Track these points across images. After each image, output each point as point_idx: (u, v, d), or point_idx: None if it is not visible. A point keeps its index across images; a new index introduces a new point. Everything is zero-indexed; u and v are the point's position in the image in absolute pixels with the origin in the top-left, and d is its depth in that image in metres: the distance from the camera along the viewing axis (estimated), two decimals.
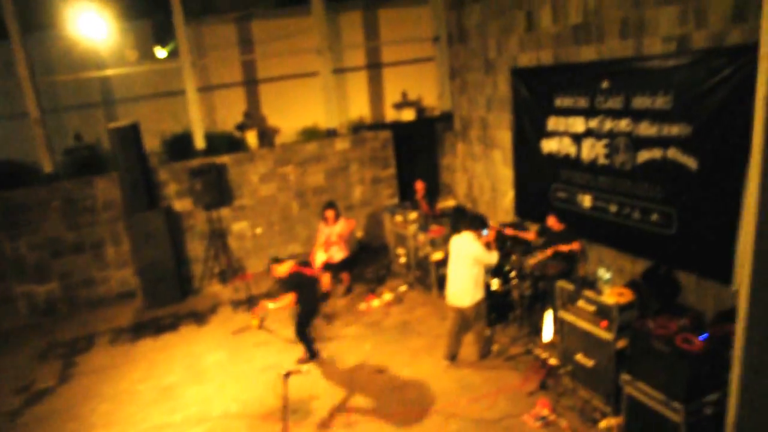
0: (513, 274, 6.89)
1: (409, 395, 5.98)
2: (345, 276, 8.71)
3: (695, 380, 4.26)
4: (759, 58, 2.99)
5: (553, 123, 7.74)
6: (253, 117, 10.50)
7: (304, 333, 6.78)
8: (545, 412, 5.35)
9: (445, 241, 8.12)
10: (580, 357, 5.47)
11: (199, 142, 9.73)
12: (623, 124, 6.54)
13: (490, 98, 9.39)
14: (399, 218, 9.03)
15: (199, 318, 8.56)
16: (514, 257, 7.03)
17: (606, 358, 5.14)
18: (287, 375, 4.77)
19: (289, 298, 6.47)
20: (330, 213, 8.39)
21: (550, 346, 6.26)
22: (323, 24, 9.93)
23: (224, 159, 9.74)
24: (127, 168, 8.72)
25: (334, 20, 10.58)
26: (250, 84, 10.67)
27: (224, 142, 10.16)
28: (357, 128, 10.80)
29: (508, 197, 9.07)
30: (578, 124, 7.25)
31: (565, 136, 7.54)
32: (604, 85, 6.74)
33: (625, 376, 4.77)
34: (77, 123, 9.82)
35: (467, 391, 5.92)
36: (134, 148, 8.74)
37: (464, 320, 6.42)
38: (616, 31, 6.61)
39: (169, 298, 9.11)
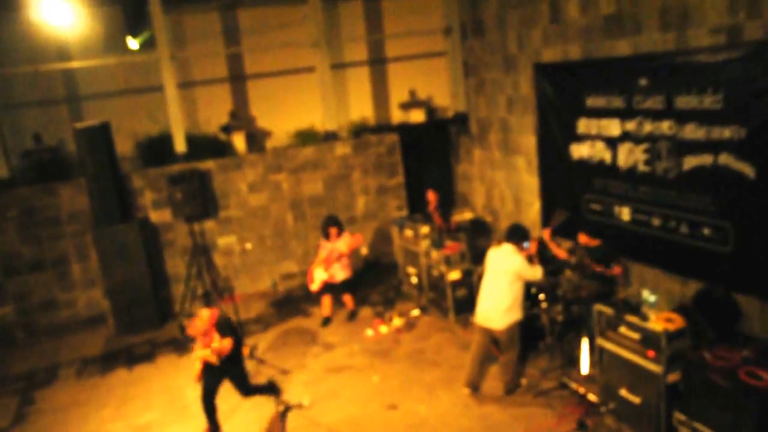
0: (542, 296, 6.82)
1: None
2: (348, 298, 8.64)
3: (766, 421, 4.18)
4: None
5: (584, 125, 7.75)
6: (240, 117, 10.47)
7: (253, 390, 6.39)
8: None
9: (462, 259, 8.12)
10: (624, 392, 5.40)
11: (180, 145, 9.68)
12: (665, 127, 6.53)
13: (511, 98, 9.41)
14: (409, 233, 9.00)
15: (181, 346, 8.40)
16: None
17: (655, 394, 5.08)
18: (285, 411, 4.66)
19: (227, 342, 5.87)
20: (333, 230, 8.38)
21: (588, 379, 6.19)
22: (320, 14, 9.96)
23: (208, 164, 9.70)
24: (96, 174, 8.66)
25: (332, 10, 10.63)
26: (237, 80, 10.66)
27: (208, 146, 10.13)
28: (359, 131, 10.80)
29: (533, 209, 9.05)
30: (613, 127, 7.25)
31: (598, 140, 7.54)
32: (643, 82, 6.75)
33: (679, 416, 4.72)
34: (37, 122, 9.74)
35: (492, 431, 5.81)
36: (104, 151, 8.69)
37: (489, 346, 6.34)
38: (655, 21, 6.63)
39: (146, 323, 9.01)
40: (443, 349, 7.53)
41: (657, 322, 5.10)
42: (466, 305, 7.89)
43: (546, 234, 7.19)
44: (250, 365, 7.51)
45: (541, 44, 8.51)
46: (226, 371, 6.00)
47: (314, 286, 8.40)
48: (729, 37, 5.85)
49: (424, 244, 8.61)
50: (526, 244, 6.33)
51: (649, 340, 5.10)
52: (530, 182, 9.16)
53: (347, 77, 11.06)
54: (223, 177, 9.79)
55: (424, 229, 8.69)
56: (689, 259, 6.49)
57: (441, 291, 8.34)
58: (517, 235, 6.27)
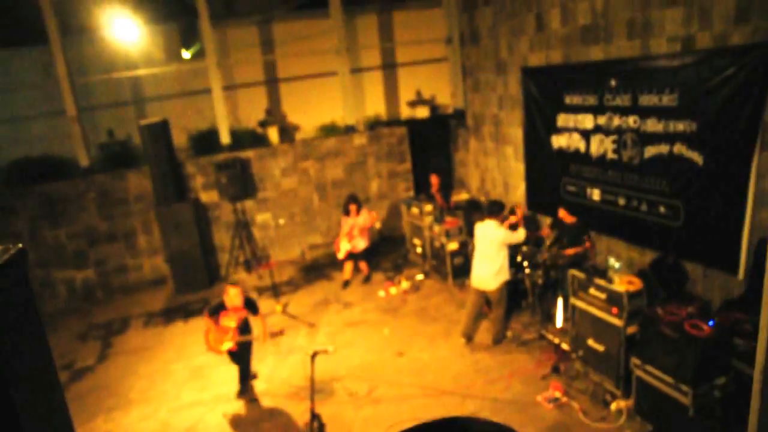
0: (525, 264, 6.90)
1: (428, 377, 6.03)
2: (364, 265, 8.78)
3: (703, 364, 4.28)
4: None
5: (562, 120, 7.72)
6: (274, 114, 10.54)
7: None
8: (557, 394, 5.38)
9: (460, 232, 8.20)
10: (591, 342, 5.49)
11: (224, 138, 9.79)
12: (631, 121, 6.52)
13: (502, 96, 9.37)
14: (415, 210, 9.06)
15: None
16: (525, 248, 7.04)
17: (616, 343, 5.16)
18: (314, 355, 4.83)
19: (261, 323, 5.85)
20: (353, 206, 8.49)
21: (562, 331, 6.29)
22: (341, 26, 9.93)
23: (248, 154, 9.80)
24: (157, 162, 8.80)
25: (351, 22, 10.58)
26: (272, 83, 10.70)
27: (248, 138, 10.22)
28: (374, 125, 10.81)
29: (519, 190, 9.06)
30: (587, 121, 7.23)
31: (574, 132, 7.51)
32: (612, 83, 6.71)
33: (635, 360, 4.79)
34: (110, 120, 9.93)
35: (483, 373, 5.96)
36: (164, 144, 8.81)
37: (482, 305, 6.49)
38: (623, 31, 6.58)
39: (198, 285, 9.20)
40: (442, 307, 7.65)
41: (620, 285, 5.16)
42: (461, 271, 8.00)
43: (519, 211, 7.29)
44: (283, 319, 7.76)
45: (528, 50, 8.45)
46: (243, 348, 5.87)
47: (340, 255, 8.59)
48: (684, 46, 5.81)
49: (428, 219, 8.67)
50: (513, 212, 6.43)
51: (613, 299, 5.17)
52: (517, 168, 9.16)
53: (363, 79, 11.05)
54: (260, 164, 9.90)
55: (428, 208, 8.75)
56: (647, 232, 6.50)
57: (441, 259, 8.43)
58: (495, 210, 6.36)
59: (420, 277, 8.64)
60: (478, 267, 6.37)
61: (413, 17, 10.95)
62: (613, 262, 5.57)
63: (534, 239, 7.22)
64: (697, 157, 5.75)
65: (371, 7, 10.81)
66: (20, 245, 2.09)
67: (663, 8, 5.96)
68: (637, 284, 5.15)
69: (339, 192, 10.26)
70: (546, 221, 8.09)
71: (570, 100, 7.50)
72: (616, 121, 6.72)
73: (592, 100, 7.08)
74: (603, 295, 5.30)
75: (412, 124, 10.83)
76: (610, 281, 5.28)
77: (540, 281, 6.74)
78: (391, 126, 10.71)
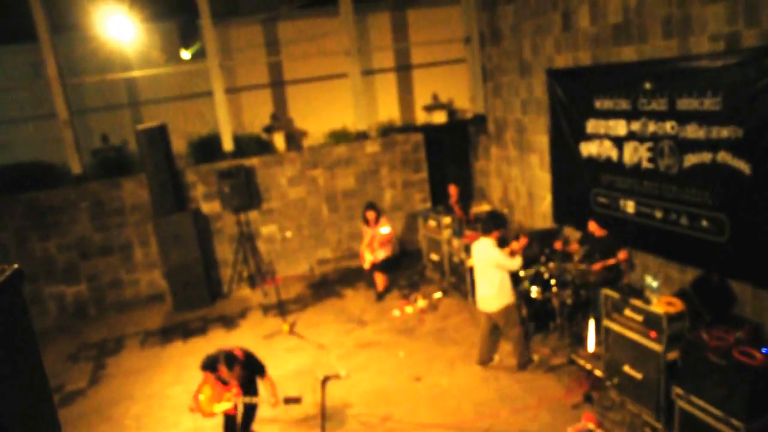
0: (553, 281, 6.80)
1: (448, 405, 5.93)
2: (381, 279, 8.68)
3: (757, 396, 4.15)
4: None
5: (592, 125, 7.64)
6: (280, 119, 10.57)
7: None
8: (591, 426, 5.25)
9: None
10: (627, 369, 5.37)
11: (227, 144, 9.81)
12: (668, 127, 6.43)
13: (526, 101, 9.32)
14: (432, 223, 9.02)
15: (229, 322, 8.62)
16: (552, 265, 6.95)
17: (656, 371, 5.04)
18: (325, 380, 4.76)
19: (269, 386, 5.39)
20: (371, 214, 8.53)
21: (594, 357, 6.17)
22: (351, 25, 9.96)
23: (252, 161, 9.81)
24: (155, 170, 8.83)
25: (362, 21, 10.62)
26: (277, 86, 10.75)
27: (252, 145, 10.26)
28: (387, 131, 10.80)
29: (545, 202, 8.98)
30: (620, 127, 7.15)
31: (605, 139, 7.43)
32: (647, 86, 6.63)
33: (677, 390, 4.67)
34: (104, 124, 10.02)
35: (507, 402, 5.86)
36: (162, 150, 8.85)
37: (493, 327, 6.42)
38: (659, 30, 6.51)
39: (198, 302, 9.19)
40: (462, 328, 7.55)
41: (659, 306, 5.06)
42: None
43: (557, 245, 7.21)
44: (291, 340, 7.70)
45: (554, 51, 8.40)
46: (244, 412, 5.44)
47: (365, 265, 8.68)
48: (728, 44, 5.73)
49: (446, 233, 8.62)
50: (517, 238, 6.39)
51: (651, 321, 5.06)
52: (543, 178, 9.09)
53: (376, 82, 11.06)
54: (265, 172, 9.90)
55: (446, 220, 8.70)
56: (688, 248, 6.38)
57: (461, 276, 8.34)
58: (490, 227, 6.32)
59: (438, 295, 8.56)
60: (479, 288, 6.40)
61: (429, 15, 10.96)
62: (651, 281, 5.44)
63: (561, 255, 7.12)
64: (743, 166, 5.65)
65: (384, 4, 10.85)
66: (15, 266, 2.06)
67: (704, 4, 5.89)
68: (677, 305, 5.05)
69: (350, 203, 10.22)
70: (575, 236, 7.99)
71: (600, 104, 7.43)
72: (652, 126, 6.64)
73: (624, 105, 7.01)
74: (640, 317, 5.20)
75: (428, 130, 10.81)
76: (648, 302, 5.18)
77: (569, 301, 6.63)
78: (405, 132, 10.69)
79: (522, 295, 6.84)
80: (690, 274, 6.46)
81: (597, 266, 6.52)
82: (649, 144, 6.73)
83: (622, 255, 6.54)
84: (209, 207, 9.71)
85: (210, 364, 5.26)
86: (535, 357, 6.48)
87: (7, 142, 9.46)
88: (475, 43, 10.61)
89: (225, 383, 5.22)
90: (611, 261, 6.52)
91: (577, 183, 8.08)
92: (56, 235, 9.02)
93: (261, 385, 5.46)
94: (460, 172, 11.21)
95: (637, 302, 5.24)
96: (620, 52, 7.10)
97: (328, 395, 5.57)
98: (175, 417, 6.27)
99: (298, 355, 7.33)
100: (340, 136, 10.57)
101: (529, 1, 8.77)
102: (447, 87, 11.12)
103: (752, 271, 5.68)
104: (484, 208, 10.08)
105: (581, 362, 6.12)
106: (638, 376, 5.26)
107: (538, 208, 9.20)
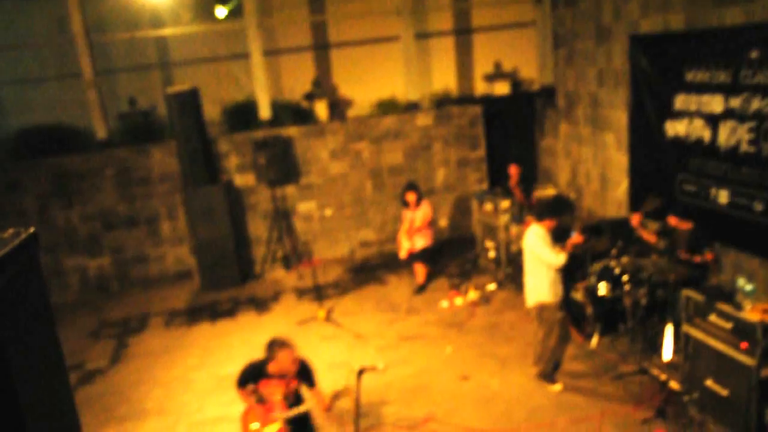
0: (625, 278, 6.58)
1: (497, 409, 5.85)
2: (421, 268, 8.63)
3: None
4: None
5: (681, 101, 7.33)
6: (323, 86, 10.54)
7: None
8: None
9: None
10: (710, 383, 5.15)
11: (264, 112, 9.87)
12: None
13: (603, 71, 9.04)
14: (489, 207, 8.89)
15: (260, 305, 8.73)
16: (625, 259, 6.72)
17: (745, 388, 4.80)
18: (361, 372, 4.73)
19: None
20: (411, 196, 8.42)
21: (671, 366, 5.97)
22: None
23: (291, 131, 9.84)
24: (186, 137, 8.95)
25: None
26: (321, 49, 10.72)
27: (291, 113, 10.29)
28: (441, 102, 10.67)
29: (621, 188, 8.73)
30: (715, 103, 6.81)
31: (696, 117, 7.12)
32: (753, 55, 6.26)
33: None
34: (132, 86, 10.17)
35: (566, 410, 5.72)
36: (193, 116, 8.96)
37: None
38: None
39: (228, 281, 9.34)
40: (518, 325, 7.42)
41: (753, 313, 4.82)
42: None
43: (635, 219, 6.92)
44: (327, 328, 7.73)
45: (639, 14, 8.07)
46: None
47: (402, 254, 8.60)
48: None
49: (504, 218, 8.49)
50: (573, 234, 6.12)
51: (742, 330, 4.81)
52: (619, 160, 8.81)
53: (431, 47, 10.88)
54: (305, 144, 9.92)
55: (505, 204, 8.56)
56: None
57: (518, 266, 8.16)
58: (543, 214, 6.08)
59: (492, 287, 8.46)
60: (526, 280, 6.26)
61: None
62: (744, 284, 5.26)
63: (636, 250, 6.88)
64: None
65: None
66: (32, 229, 2.08)
67: None
68: None
69: (397, 180, 10.16)
70: (653, 227, 7.73)
71: (693, 76, 7.12)
72: (756, 104, 6.28)
73: (723, 77, 6.67)
74: (728, 325, 4.97)
75: (488, 102, 10.63)
76: (739, 307, 4.98)
77: (643, 301, 6.41)
78: (462, 104, 10.52)
79: (588, 292, 6.65)
80: None
81: (683, 255, 6.23)
82: (750, 124, 6.38)
83: (709, 255, 6.27)
84: (243, 180, 9.81)
85: (251, 376, 4.79)
86: (559, 386, 6.13)
87: (29, 103, 9.73)
88: (546, 2, 10.34)
89: (263, 402, 4.71)
90: (698, 258, 6.24)
91: (659, 167, 7.82)
92: (79, 204, 9.30)
93: (307, 393, 5.10)
94: (522, 151, 11.00)
95: (726, 307, 5.01)
96: (722, 13, 6.73)
97: (364, 390, 5.56)
98: (199, 402, 6.41)
99: (334, 344, 7.36)
100: (388, 107, 10.49)
101: None
102: (512, 54, 10.87)
103: None
104: (549, 192, 9.84)
105: (654, 372, 5.92)
106: (723, 392, 5.03)
107: (612, 195, 8.95)
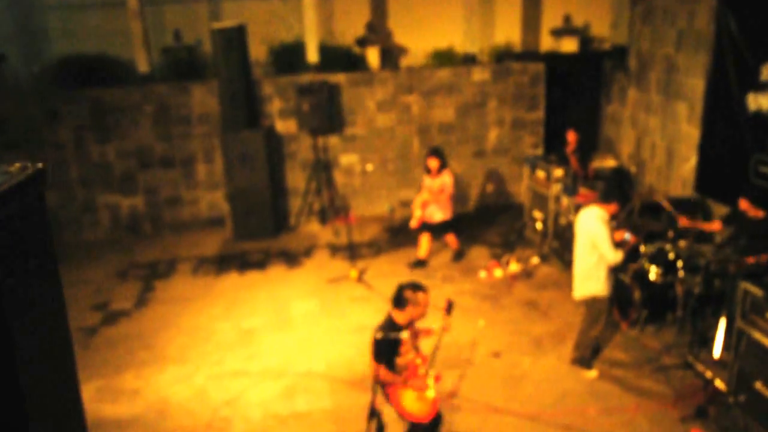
0: (680, 264, 6.43)
1: (526, 390, 5.87)
2: (451, 238, 8.53)
3: None
4: None
5: None
6: (377, 31, 10.45)
7: None
8: None
9: None
10: (760, 386, 5.02)
11: (312, 55, 9.86)
12: None
13: (683, 32, 8.65)
14: (541, 174, 8.75)
15: (292, 259, 8.92)
16: (683, 242, 6.55)
17: None
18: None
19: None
20: (433, 162, 8.06)
21: (719, 364, 5.83)
22: None
23: (338, 78, 9.83)
24: (229, 77, 9.03)
25: None
26: None
27: (341, 58, 10.27)
28: (502, 56, 10.49)
29: (689, 165, 8.45)
30: None
31: None
32: None
33: None
34: (178, 19, 10.29)
35: (599, 398, 5.70)
36: (238, 55, 9.00)
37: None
38: None
39: (261, 232, 9.53)
40: (558, 304, 7.37)
41: None
42: None
43: (683, 221, 6.70)
44: (358, 289, 7.85)
45: None
46: None
47: (413, 222, 8.28)
48: None
49: (556, 188, 8.34)
50: (627, 236, 5.92)
51: None
52: (690, 133, 8.49)
53: None
54: (352, 92, 9.90)
55: (558, 172, 8.38)
56: None
57: (566, 241, 8.06)
58: (611, 196, 5.81)
59: (535, 260, 8.42)
60: (574, 264, 6.07)
61: None
62: None
63: (695, 234, 6.69)
64: None
65: None
66: (40, 165, 2.13)
67: None
68: None
69: (447, 138, 10.12)
70: (719, 211, 7.49)
71: None
72: None
73: None
74: None
75: (553, 59, 10.42)
76: None
77: (697, 290, 6.26)
78: (524, 60, 10.32)
79: (638, 276, 6.52)
80: None
81: (750, 260, 6.03)
82: None
83: None
84: (284, 126, 9.90)
85: (393, 348, 4.66)
86: (594, 372, 6.07)
87: (73, 30, 9.98)
88: None
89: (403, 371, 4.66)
90: (765, 257, 6.01)
91: (734, 145, 7.54)
92: (116, 139, 9.57)
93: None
94: (584, 116, 10.72)
95: None
96: None
97: None
98: (220, 354, 6.64)
99: (363, 307, 7.47)
100: (444, 58, 10.37)
101: None
102: (584, 7, 10.56)
103: None
104: (608, 163, 9.63)
105: (700, 368, 5.81)
106: None
107: (677, 171, 8.68)
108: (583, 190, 8.01)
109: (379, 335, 4.59)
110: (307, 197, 10.00)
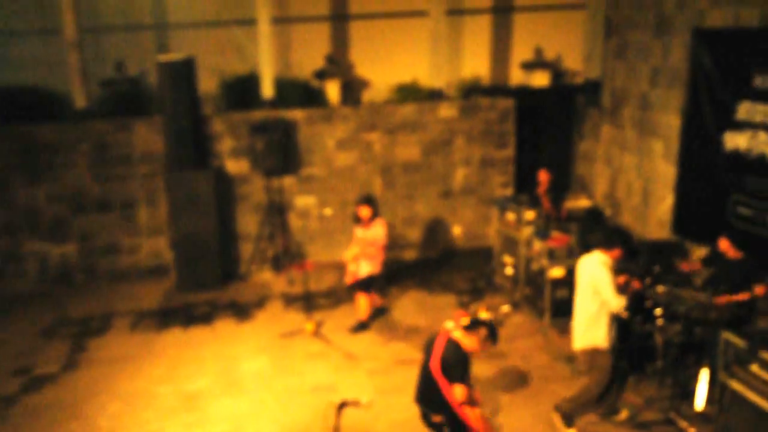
0: (658, 311, 6.53)
1: None
2: (364, 301, 8.20)
3: None
4: None
5: (746, 110, 7.35)
6: (337, 63, 10.59)
7: None
8: None
9: (569, 254, 7.92)
10: None
11: (267, 90, 9.94)
12: None
13: (658, 68, 9.04)
14: (511, 216, 8.89)
15: (242, 311, 8.82)
16: (661, 288, 6.66)
17: None
18: (342, 406, 4.77)
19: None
20: (364, 210, 7.94)
21: (702, 417, 5.94)
22: None
23: (295, 114, 9.92)
24: (175, 113, 9.04)
25: None
26: (338, 20, 10.79)
27: (298, 93, 10.37)
28: (470, 91, 10.71)
29: (664, 204, 8.71)
30: None
31: (762, 131, 7.12)
32: None
33: None
34: (121, 49, 10.20)
35: None
36: (186, 90, 9.04)
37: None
38: None
39: (208, 281, 9.44)
40: (532, 355, 7.42)
41: None
42: (565, 308, 7.61)
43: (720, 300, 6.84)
44: (314, 344, 7.79)
45: (707, 3, 8.08)
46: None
47: (347, 278, 8.22)
48: None
49: (527, 231, 8.47)
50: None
51: None
52: (666, 172, 8.78)
53: (464, 26, 10.92)
54: (309, 130, 9.98)
55: (529, 214, 8.55)
56: None
57: (539, 288, 8.20)
58: (613, 242, 5.99)
59: (506, 308, 8.49)
60: (574, 316, 6.20)
61: None
62: None
63: (675, 278, 6.83)
64: None
65: None
66: None
67: None
68: None
69: (411, 178, 10.23)
70: (697, 253, 7.68)
71: (762, 82, 7.15)
72: None
73: None
74: None
75: (523, 94, 10.66)
76: None
77: (677, 340, 6.37)
78: (493, 95, 10.55)
79: (615, 322, 6.59)
80: None
81: (722, 299, 6.19)
82: None
83: (759, 290, 6.19)
84: (236, 166, 9.91)
85: (467, 361, 5.24)
86: (623, 412, 6.21)
87: (3, 59, 9.77)
88: None
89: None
90: (743, 295, 6.19)
91: (712, 184, 7.82)
92: (47, 181, 9.40)
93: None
94: (556, 154, 11.03)
95: None
96: None
97: (348, 421, 5.62)
98: (160, 423, 6.45)
99: (320, 364, 7.41)
100: (408, 92, 10.53)
101: None
102: (555, 40, 10.88)
103: None
104: (582, 203, 9.83)
105: (682, 424, 5.88)
106: None
107: (654, 212, 8.92)
108: (555, 233, 8.12)
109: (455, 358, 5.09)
110: (259, 243, 9.95)
